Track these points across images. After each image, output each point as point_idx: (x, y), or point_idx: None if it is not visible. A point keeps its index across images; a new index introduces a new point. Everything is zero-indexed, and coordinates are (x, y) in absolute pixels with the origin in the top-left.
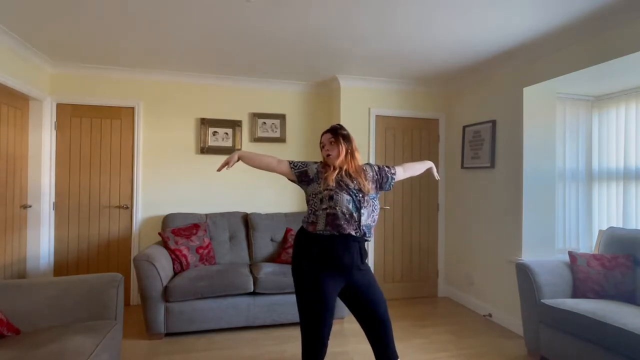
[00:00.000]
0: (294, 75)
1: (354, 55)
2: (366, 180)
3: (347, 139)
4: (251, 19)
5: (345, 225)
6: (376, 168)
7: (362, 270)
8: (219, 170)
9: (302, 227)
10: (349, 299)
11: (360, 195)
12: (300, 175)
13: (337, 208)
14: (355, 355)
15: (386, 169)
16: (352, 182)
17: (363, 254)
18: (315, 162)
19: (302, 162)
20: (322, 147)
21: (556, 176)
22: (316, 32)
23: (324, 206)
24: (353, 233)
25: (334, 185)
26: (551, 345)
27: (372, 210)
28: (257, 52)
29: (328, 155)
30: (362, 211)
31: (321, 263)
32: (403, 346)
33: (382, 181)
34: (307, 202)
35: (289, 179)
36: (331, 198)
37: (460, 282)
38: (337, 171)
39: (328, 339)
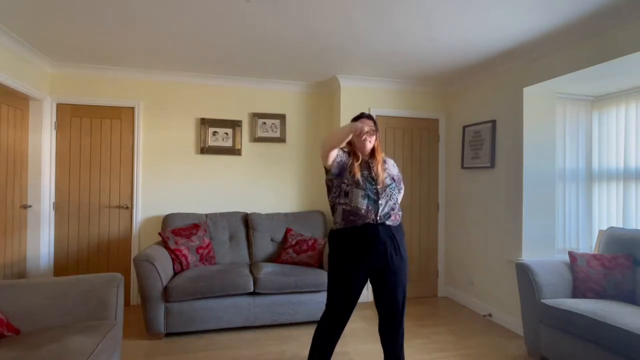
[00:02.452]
0: (294, 75)
1: (354, 55)
2: (384, 171)
3: (377, 129)
4: (251, 19)
5: (360, 220)
6: (400, 172)
7: (395, 258)
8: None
9: (331, 229)
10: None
11: (379, 186)
12: (341, 164)
13: (352, 204)
14: (355, 356)
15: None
16: (371, 172)
17: (394, 240)
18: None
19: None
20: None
21: (556, 176)
22: (316, 32)
23: (342, 201)
24: (371, 222)
25: (359, 178)
26: (551, 345)
27: (389, 199)
28: (257, 52)
29: (368, 143)
30: (380, 202)
31: (350, 254)
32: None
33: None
34: (328, 191)
35: (327, 167)
36: (347, 194)
37: (460, 282)
38: (361, 162)
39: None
